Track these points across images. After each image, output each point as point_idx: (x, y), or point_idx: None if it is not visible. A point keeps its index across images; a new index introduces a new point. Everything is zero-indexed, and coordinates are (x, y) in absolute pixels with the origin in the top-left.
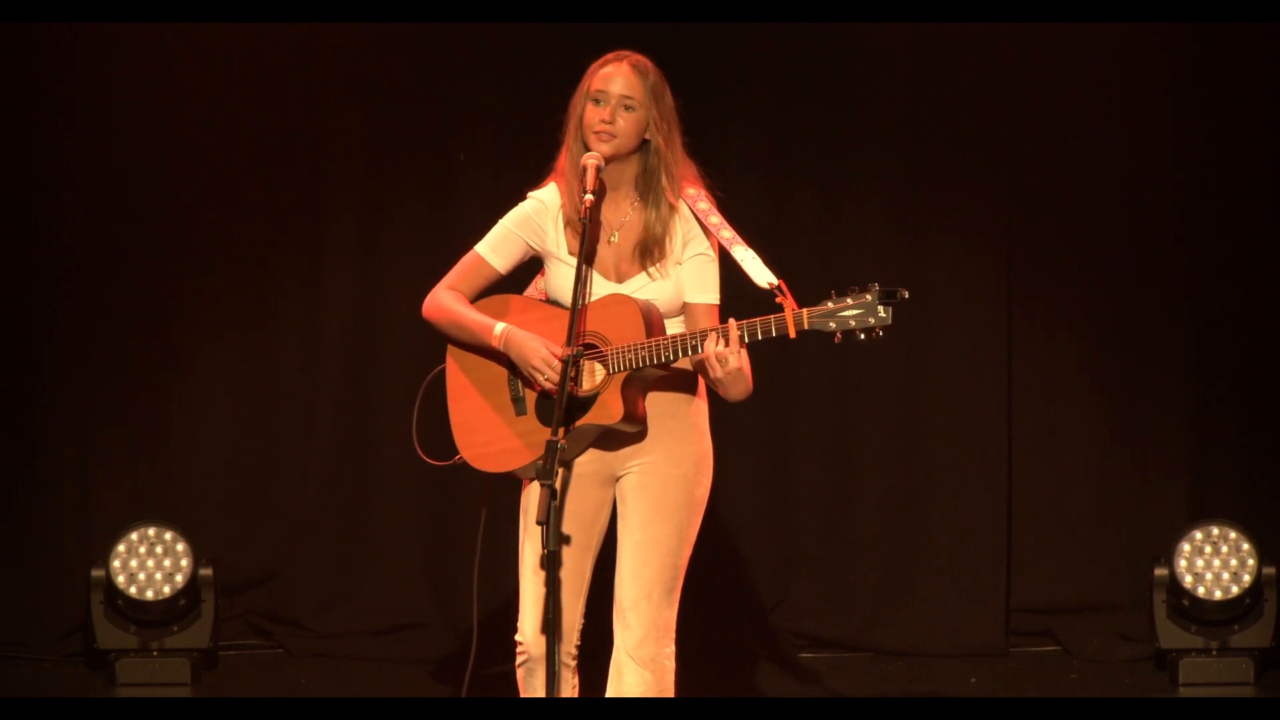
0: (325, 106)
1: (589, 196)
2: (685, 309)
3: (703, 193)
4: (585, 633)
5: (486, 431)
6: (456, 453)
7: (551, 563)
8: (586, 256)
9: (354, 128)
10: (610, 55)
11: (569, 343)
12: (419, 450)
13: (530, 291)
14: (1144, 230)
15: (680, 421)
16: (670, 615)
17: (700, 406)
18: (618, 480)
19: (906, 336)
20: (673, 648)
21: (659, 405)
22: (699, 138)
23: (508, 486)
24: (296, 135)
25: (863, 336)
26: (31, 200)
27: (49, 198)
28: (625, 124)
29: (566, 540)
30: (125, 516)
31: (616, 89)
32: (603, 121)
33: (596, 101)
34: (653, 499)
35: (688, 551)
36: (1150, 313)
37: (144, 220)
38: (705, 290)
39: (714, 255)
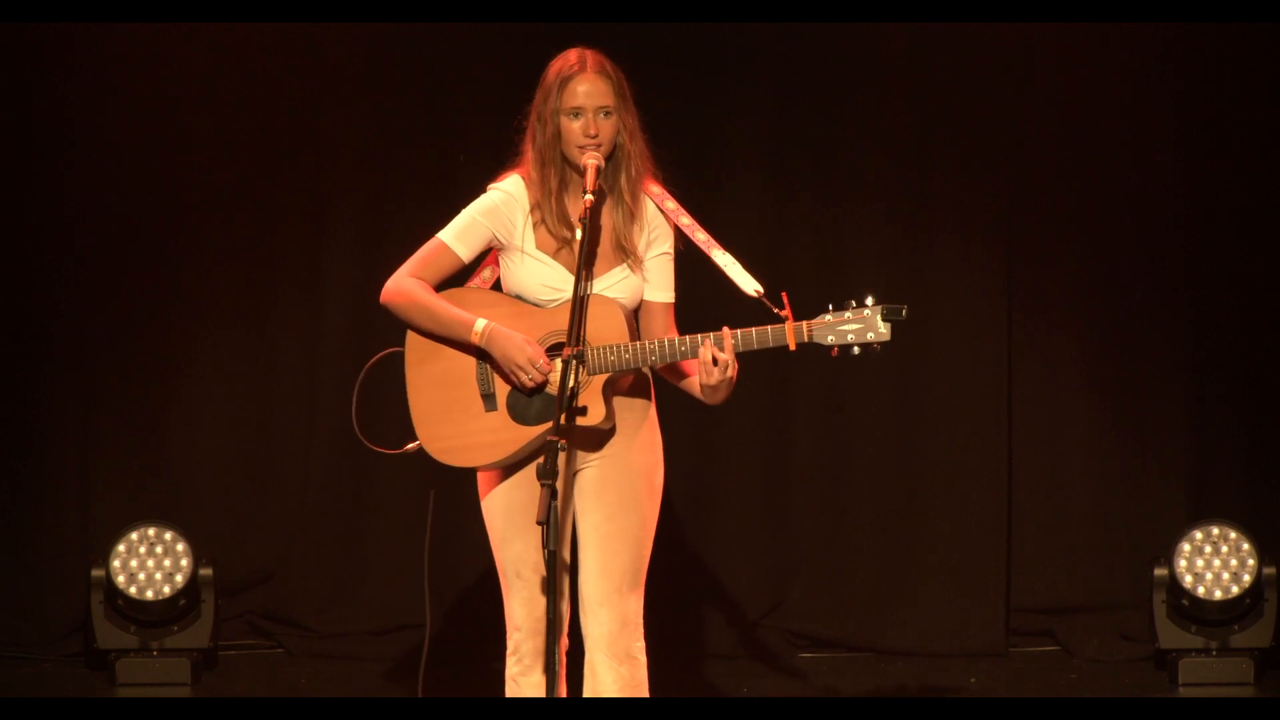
0: (325, 106)
1: (589, 197)
2: (643, 306)
3: (666, 191)
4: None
5: (453, 425)
6: (410, 441)
7: (553, 563)
8: (555, 253)
9: (354, 128)
10: (572, 58)
11: (570, 341)
12: (359, 434)
13: (474, 283)
14: (1144, 230)
15: (636, 414)
16: (638, 607)
17: (652, 400)
18: (575, 475)
19: (907, 336)
20: (643, 641)
21: (615, 400)
22: (699, 138)
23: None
24: (296, 134)
25: (857, 351)
26: (31, 200)
27: (48, 197)
28: (606, 131)
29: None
30: (125, 516)
31: (593, 100)
32: (588, 136)
33: (574, 115)
34: (616, 492)
35: (651, 542)
36: (1150, 313)
37: (144, 220)
38: (664, 289)
39: (673, 253)
